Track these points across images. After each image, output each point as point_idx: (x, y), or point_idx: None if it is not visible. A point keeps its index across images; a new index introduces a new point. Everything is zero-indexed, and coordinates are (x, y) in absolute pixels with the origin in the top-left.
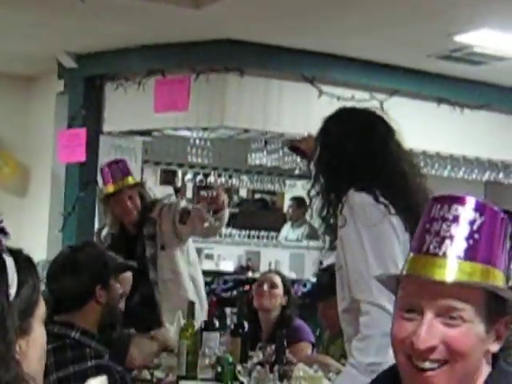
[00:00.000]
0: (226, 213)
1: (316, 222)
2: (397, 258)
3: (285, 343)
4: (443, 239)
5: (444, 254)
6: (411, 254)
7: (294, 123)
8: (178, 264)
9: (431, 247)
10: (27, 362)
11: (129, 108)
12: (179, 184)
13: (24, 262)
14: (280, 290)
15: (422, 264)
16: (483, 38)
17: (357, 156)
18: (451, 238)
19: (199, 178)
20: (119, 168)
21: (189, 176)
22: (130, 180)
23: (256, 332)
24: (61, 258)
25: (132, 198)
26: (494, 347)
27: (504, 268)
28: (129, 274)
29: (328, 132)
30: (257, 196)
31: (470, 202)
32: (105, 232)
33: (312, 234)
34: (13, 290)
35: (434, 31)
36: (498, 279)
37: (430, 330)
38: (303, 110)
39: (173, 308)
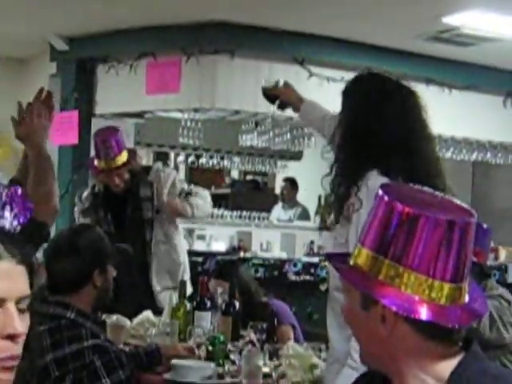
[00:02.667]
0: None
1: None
2: None
3: (275, 322)
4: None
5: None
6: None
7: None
8: (171, 228)
9: None
10: None
11: (120, 90)
12: (172, 165)
13: None
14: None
15: None
16: (471, 20)
17: (377, 135)
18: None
19: (191, 159)
20: (111, 147)
21: (181, 157)
22: (119, 161)
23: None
24: (60, 240)
25: (120, 175)
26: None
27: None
28: None
29: (343, 106)
30: (248, 177)
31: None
32: (85, 193)
33: (303, 215)
34: None
35: (422, 13)
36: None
37: None
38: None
39: (163, 270)
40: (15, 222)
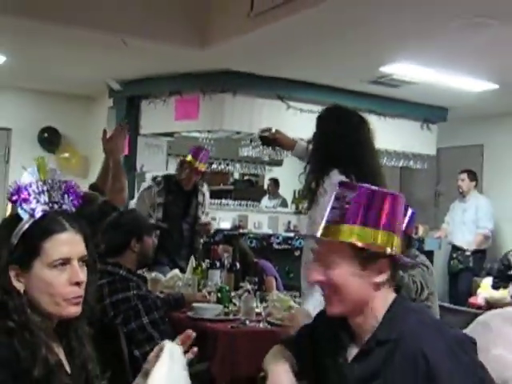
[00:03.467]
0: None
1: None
2: None
3: (264, 277)
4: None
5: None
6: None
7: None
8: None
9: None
10: (31, 289)
11: (157, 118)
12: None
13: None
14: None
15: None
16: (399, 69)
17: (340, 146)
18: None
19: (206, 165)
20: (203, 154)
21: None
22: (202, 167)
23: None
24: (110, 218)
25: (197, 175)
26: (379, 279)
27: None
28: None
29: (318, 126)
30: (245, 177)
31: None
32: (159, 178)
33: (283, 204)
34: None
35: (366, 64)
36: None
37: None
38: (276, 118)
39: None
40: (72, 206)
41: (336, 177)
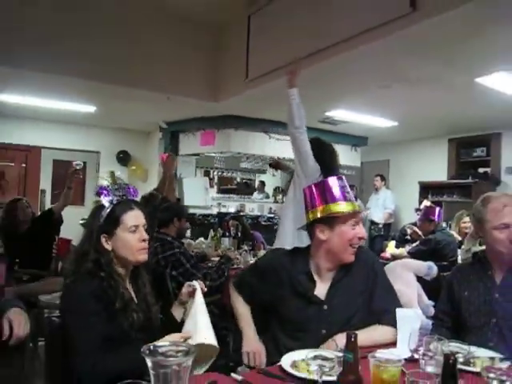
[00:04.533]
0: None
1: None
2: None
3: (256, 242)
4: (350, 194)
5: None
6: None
7: (258, 151)
8: None
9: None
10: (116, 248)
11: (189, 145)
12: (211, 176)
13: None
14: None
15: (353, 205)
16: (338, 113)
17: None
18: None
19: (219, 173)
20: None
21: (215, 173)
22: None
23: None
24: (164, 204)
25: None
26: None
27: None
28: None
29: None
30: (244, 181)
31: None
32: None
33: (267, 197)
34: (104, 213)
35: (318, 110)
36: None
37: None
38: (262, 144)
39: None
40: (132, 196)
41: (312, 162)
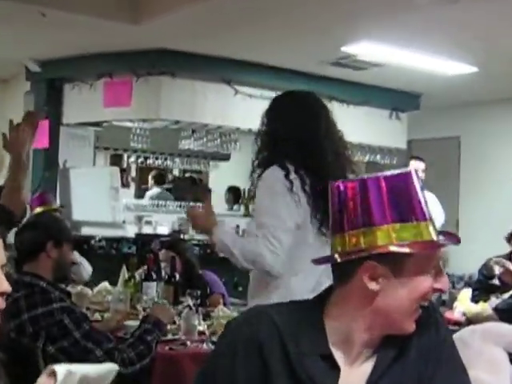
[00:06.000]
0: None
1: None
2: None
3: (208, 290)
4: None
5: (430, 219)
6: (411, 223)
7: (214, 116)
8: None
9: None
10: None
11: (83, 104)
12: (125, 165)
13: None
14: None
15: (427, 230)
16: (364, 49)
17: (285, 132)
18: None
19: (140, 160)
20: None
21: (132, 159)
22: None
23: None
24: (27, 220)
25: None
26: None
27: None
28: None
29: (267, 113)
30: (187, 174)
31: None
32: None
33: (230, 206)
34: None
35: (325, 43)
36: None
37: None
38: (222, 105)
39: None
40: None
41: (269, 172)
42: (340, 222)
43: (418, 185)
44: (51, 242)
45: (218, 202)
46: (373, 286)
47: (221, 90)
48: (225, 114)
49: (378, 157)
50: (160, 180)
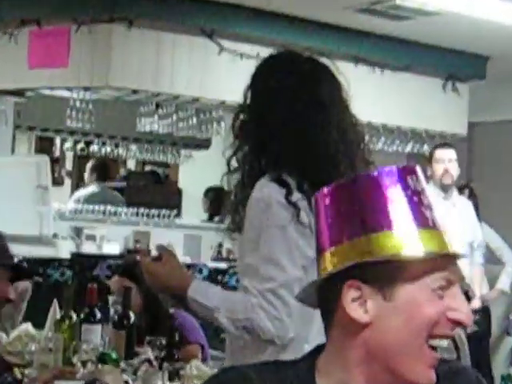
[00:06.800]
0: None
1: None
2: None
3: (176, 337)
4: (432, 211)
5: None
6: (412, 229)
7: (189, 84)
8: None
9: (432, 221)
10: None
11: None
12: (57, 153)
13: None
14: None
15: (439, 239)
16: None
17: (274, 123)
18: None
19: (80, 146)
20: None
21: (68, 144)
22: None
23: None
24: None
25: None
26: None
27: None
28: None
29: (249, 88)
30: (147, 168)
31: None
32: None
33: (209, 217)
34: None
35: None
36: None
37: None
38: (201, 68)
39: None
40: None
41: (265, 191)
42: (319, 242)
43: (409, 189)
44: None
45: (193, 209)
46: (359, 314)
47: (199, 46)
48: (204, 82)
49: (426, 146)
50: (103, 173)
